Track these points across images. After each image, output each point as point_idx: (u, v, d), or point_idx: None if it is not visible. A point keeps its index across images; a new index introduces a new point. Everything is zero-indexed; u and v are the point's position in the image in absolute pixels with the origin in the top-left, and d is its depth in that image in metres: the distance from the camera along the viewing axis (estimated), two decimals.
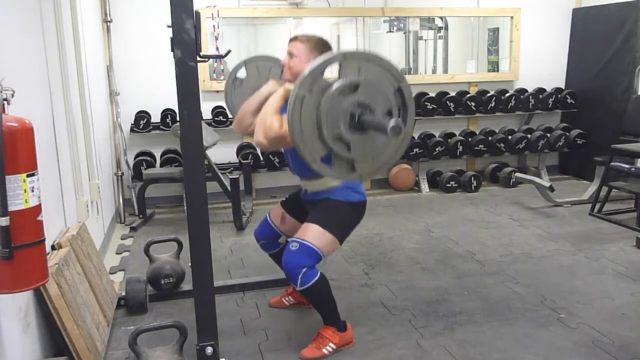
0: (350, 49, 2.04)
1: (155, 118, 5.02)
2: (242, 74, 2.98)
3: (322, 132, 2.00)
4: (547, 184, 4.77)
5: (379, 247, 3.98)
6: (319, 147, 2.03)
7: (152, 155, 5.04)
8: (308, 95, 1.96)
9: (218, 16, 4.90)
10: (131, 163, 4.95)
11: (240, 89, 2.98)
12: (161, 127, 5.01)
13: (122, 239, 4.35)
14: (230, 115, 5.22)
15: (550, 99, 5.78)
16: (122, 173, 4.97)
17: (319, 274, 2.44)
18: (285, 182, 5.25)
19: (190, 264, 2.20)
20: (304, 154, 2.04)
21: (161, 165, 4.97)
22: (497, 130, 5.89)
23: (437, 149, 5.47)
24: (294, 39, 2.56)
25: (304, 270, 2.40)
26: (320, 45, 2.54)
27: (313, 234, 2.47)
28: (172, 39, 1.99)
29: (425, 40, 6.60)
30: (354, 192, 2.59)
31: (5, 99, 1.65)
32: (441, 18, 6.35)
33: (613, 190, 4.56)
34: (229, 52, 2.52)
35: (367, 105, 2.01)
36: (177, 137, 4.12)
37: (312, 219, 2.54)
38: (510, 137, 5.67)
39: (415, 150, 5.41)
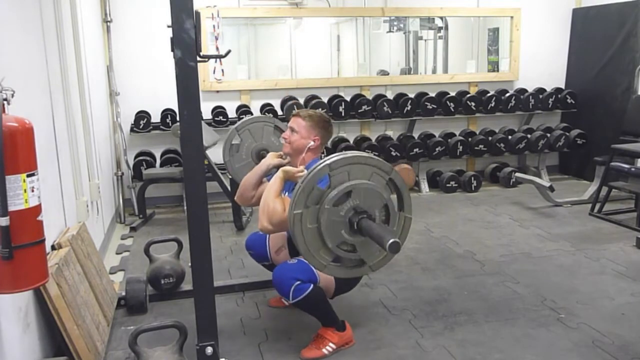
0: (335, 156, 2.08)
1: (155, 118, 5.02)
2: (236, 140, 3.13)
3: (325, 242, 2.08)
4: (547, 184, 4.77)
5: None
6: (325, 254, 2.12)
7: (152, 155, 5.04)
8: (305, 211, 2.05)
9: (218, 16, 4.89)
10: (131, 163, 4.95)
11: (238, 155, 3.14)
12: (161, 127, 5.01)
13: (122, 239, 4.35)
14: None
15: (550, 99, 5.78)
16: (122, 173, 4.97)
17: (311, 286, 2.40)
18: None
19: (190, 264, 2.20)
20: (313, 262, 2.13)
21: (161, 165, 4.97)
22: (497, 130, 5.89)
23: (437, 149, 5.47)
24: (295, 115, 2.64)
25: (297, 283, 2.37)
26: (322, 123, 2.61)
27: None
28: (172, 39, 1.99)
29: (425, 40, 6.59)
30: None
31: (5, 99, 1.65)
32: (441, 18, 6.35)
33: (613, 190, 4.57)
34: (229, 52, 2.52)
35: (363, 209, 2.08)
36: (177, 137, 4.12)
37: None
38: (510, 137, 5.67)
39: (415, 150, 5.41)
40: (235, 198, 2.83)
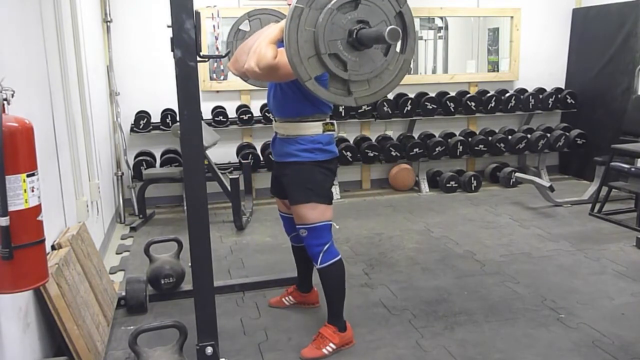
0: None
1: (155, 118, 5.02)
2: (245, 26, 2.93)
3: (318, 48, 1.93)
4: (547, 184, 4.77)
5: (379, 247, 3.98)
6: (314, 64, 1.96)
7: (152, 155, 5.04)
8: (307, 9, 1.90)
9: (218, 16, 4.90)
10: (131, 163, 4.95)
11: (243, 41, 2.87)
12: (161, 127, 5.01)
13: (122, 239, 4.35)
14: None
15: (550, 99, 5.78)
16: (122, 173, 4.97)
17: (339, 255, 2.54)
18: None
19: (190, 264, 2.20)
20: (299, 70, 1.95)
21: (161, 165, 4.97)
22: (497, 130, 5.89)
23: (437, 149, 5.47)
24: None
25: (326, 246, 2.48)
26: None
27: (306, 214, 2.49)
28: (172, 39, 1.99)
29: (425, 40, 6.60)
30: (321, 151, 2.52)
31: (5, 99, 1.65)
32: (441, 18, 6.36)
33: (613, 190, 4.57)
34: (229, 52, 2.52)
35: (366, 22, 1.95)
36: (177, 137, 4.12)
37: (293, 199, 2.53)
38: (510, 137, 5.67)
39: (415, 150, 5.41)
40: (229, 64, 2.71)
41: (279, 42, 2.26)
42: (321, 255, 2.48)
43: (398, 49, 2.05)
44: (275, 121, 2.63)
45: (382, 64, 2.03)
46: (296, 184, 2.52)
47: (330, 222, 2.54)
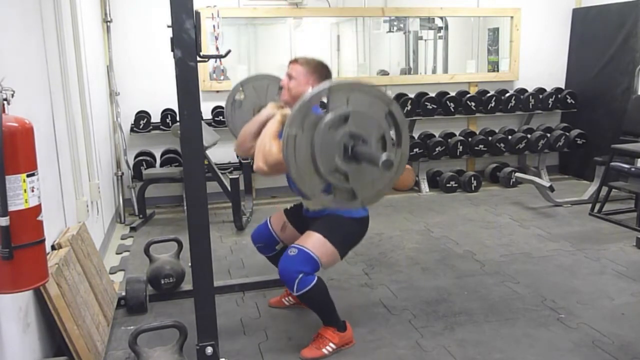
0: (336, 80, 2.02)
1: (155, 118, 5.02)
2: (240, 95, 3.03)
3: (318, 167, 2.00)
4: (547, 184, 4.77)
5: (379, 247, 3.98)
6: (316, 181, 2.04)
7: (152, 155, 5.04)
8: (300, 133, 1.97)
9: (218, 16, 4.90)
10: (131, 163, 4.95)
11: (240, 111, 3.03)
12: (161, 127, 5.01)
13: (122, 239, 4.35)
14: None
15: (550, 99, 5.78)
16: (122, 173, 4.97)
17: (316, 279, 2.43)
18: (285, 182, 5.23)
19: (190, 264, 2.20)
20: (303, 189, 2.05)
21: (161, 165, 4.97)
22: (497, 130, 5.89)
23: (437, 149, 5.47)
24: (293, 62, 2.58)
25: (301, 276, 2.39)
26: (320, 69, 2.56)
27: (314, 242, 2.46)
28: (172, 39, 1.98)
29: (425, 40, 6.59)
30: (356, 210, 2.55)
31: (5, 99, 1.65)
32: (441, 18, 6.35)
33: (613, 190, 4.56)
34: (229, 52, 2.52)
35: (359, 135, 2.01)
36: (177, 137, 4.12)
37: (315, 228, 2.53)
38: (510, 137, 5.67)
39: (415, 150, 5.41)
40: (235, 149, 2.78)
41: (281, 132, 2.34)
42: (296, 283, 2.40)
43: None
44: (303, 199, 2.63)
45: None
46: (328, 222, 2.52)
47: (321, 266, 2.46)
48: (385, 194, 2.17)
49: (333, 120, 1.98)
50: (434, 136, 5.68)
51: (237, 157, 5.15)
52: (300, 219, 2.76)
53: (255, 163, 2.37)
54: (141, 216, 4.74)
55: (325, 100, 2.00)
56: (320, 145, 1.97)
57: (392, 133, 2.12)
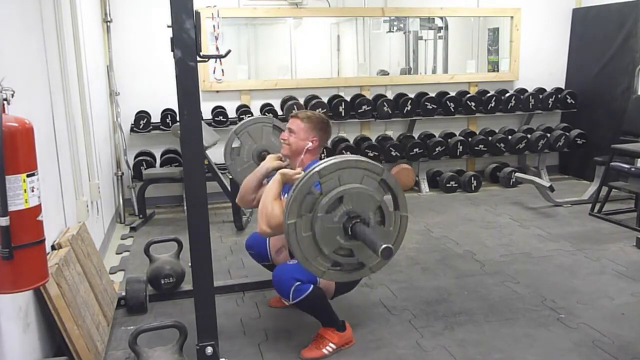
0: (324, 162, 2.05)
1: (155, 118, 5.02)
2: (236, 143, 3.11)
3: (321, 249, 2.07)
4: (547, 184, 4.77)
5: None
6: (323, 261, 2.11)
7: (152, 155, 5.04)
8: (299, 220, 2.05)
9: (218, 16, 4.89)
10: (131, 163, 4.95)
11: (239, 158, 3.12)
12: (161, 127, 5.01)
13: (122, 239, 4.35)
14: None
15: (550, 99, 5.78)
16: (122, 173, 4.97)
17: (311, 287, 2.41)
18: None
19: (190, 264, 2.20)
20: (311, 270, 2.12)
21: (161, 165, 4.97)
22: (497, 130, 5.89)
23: (437, 149, 5.47)
24: (294, 116, 2.63)
25: (297, 284, 2.38)
26: (320, 125, 2.60)
27: None
28: (172, 39, 1.99)
29: (425, 40, 6.59)
30: None
31: (5, 99, 1.65)
32: (441, 18, 6.35)
33: (613, 190, 4.57)
34: (229, 52, 2.52)
35: (356, 214, 2.07)
36: (177, 137, 4.12)
37: None
38: (510, 137, 5.67)
39: (415, 150, 5.41)
40: (237, 201, 2.84)
41: (283, 189, 2.41)
42: (292, 291, 2.39)
43: (392, 208, 2.18)
44: None
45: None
46: None
47: (318, 282, 2.43)
48: (391, 258, 2.21)
49: (328, 204, 2.04)
50: (434, 136, 5.68)
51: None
52: None
53: (258, 226, 2.40)
54: (141, 216, 4.74)
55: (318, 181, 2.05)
56: (320, 229, 2.05)
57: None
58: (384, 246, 1.88)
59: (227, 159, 3.15)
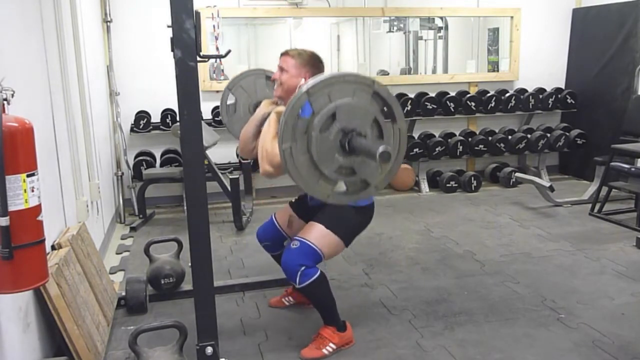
0: (312, 80, 2.01)
1: (155, 118, 5.02)
2: (230, 99, 3.00)
3: (322, 171, 2.00)
4: (547, 184, 4.77)
5: (379, 247, 3.98)
6: (325, 184, 2.04)
7: (152, 155, 5.04)
8: (294, 144, 1.97)
9: (218, 16, 4.90)
10: (131, 163, 4.95)
11: (236, 114, 3.01)
12: (161, 127, 5.01)
13: (122, 239, 4.35)
14: None
15: (550, 99, 5.78)
16: (122, 173, 4.97)
17: (318, 272, 2.45)
18: (285, 182, 5.20)
19: (190, 264, 2.20)
20: (316, 195, 2.06)
21: (161, 165, 4.97)
22: (497, 130, 5.89)
23: (437, 149, 5.47)
24: (284, 54, 2.56)
25: (302, 268, 2.40)
26: (312, 61, 2.54)
27: (316, 234, 2.46)
28: (172, 39, 1.98)
29: (425, 40, 6.60)
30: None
31: (5, 99, 1.64)
32: (441, 18, 6.36)
33: (613, 190, 4.57)
34: (229, 52, 2.52)
35: (351, 128, 1.99)
36: (177, 137, 4.12)
37: (318, 218, 2.53)
38: (510, 137, 5.67)
39: (415, 150, 5.41)
40: (239, 152, 2.76)
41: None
42: (298, 276, 2.41)
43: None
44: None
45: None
46: (331, 211, 2.50)
47: (324, 258, 2.47)
48: (395, 173, 2.15)
49: (321, 123, 1.97)
50: (434, 136, 5.68)
51: (238, 156, 5.15)
52: (306, 209, 2.73)
53: (261, 168, 2.36)
54: (141, 216, 4.74)
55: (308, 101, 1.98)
56: (317, 150, 1.97)
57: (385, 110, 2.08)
58: (381, 149, 1.81)
59: (224, 118, 3.03)
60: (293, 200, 2.90)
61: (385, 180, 2.15)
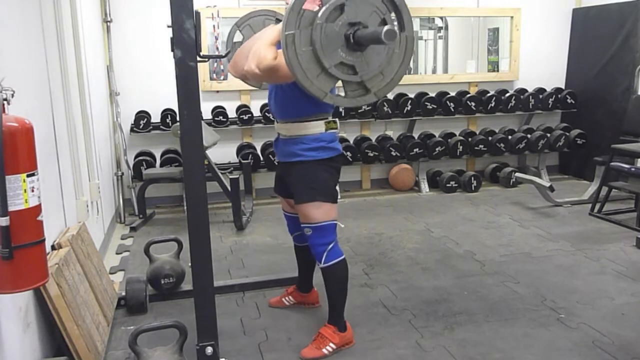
0: None
1: (155, 118, 5.02)
2: (238, 37, 2.87)
3: (323, 64, 1.93)
4: (547, 184, 4.77)
5: (379, 247, 3.98)
6: (324, 79, 1.96)
7: (152, 155, 5.04)
8: (297, 32, 1.89)
9: (218, 16, 4.89)
10: (131, 163, 4.95)
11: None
12: (161, 127, 5.01)
13: (122, 239, 4.35)
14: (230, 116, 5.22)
15: (550, 99, 5.78)
16: (122, 173, 4.97)
17: (343, 255, 2.55)
18: None
19: (190, 264, 2.20)
20: (313, 91, 1.96)
21: (161, 165, 4.97)
22: (497, 130, 5.89)
23: (437, 149, 5.47)
24: None
25: (330, 246, 2.50)
26: None
27: (311, 213, 2.49)
28: (172, 39, 1.99)
29: (425, 40, 6.60)
30: (325, 149, 2.51)
31: (5, 99, 1.65)
32: (441, 18, 6.36)
33: (613, 190, 4.56)
34: (229, 52, 2.52)
35: (358, 22, 1.93)
36: (177, 137, 4.12)
37: (298, 198, 2.53)
38: (510, 137, 5.67)
39: (415, 150, 5.41)
40: (228, 67, 2.67)
41: (278, 44, 2.21)
42: (325, 254, 2.49)
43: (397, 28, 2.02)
44: (277, 122, 2.62)
45: (387, 52, 2.02)
46: (301, 183, 2.52)
47: (335, 222, 2.54)
48: (396, 84, 2.07)
49: (329, 12, 1.90)
50: (434, 136, 5.68)
51: (238, 155, 5.15)
52: (285, 187, 2.69)
53: (247, 64, 2.21)
54: (141, 216, 4.74)
55: None
56: (320, 39, 1.89)
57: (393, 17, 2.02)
58: (387, 27, 1.75)
59: (229, 54, 2.87)
60: (274, 188, 2.87)
61: (386, 89, 2.07)
